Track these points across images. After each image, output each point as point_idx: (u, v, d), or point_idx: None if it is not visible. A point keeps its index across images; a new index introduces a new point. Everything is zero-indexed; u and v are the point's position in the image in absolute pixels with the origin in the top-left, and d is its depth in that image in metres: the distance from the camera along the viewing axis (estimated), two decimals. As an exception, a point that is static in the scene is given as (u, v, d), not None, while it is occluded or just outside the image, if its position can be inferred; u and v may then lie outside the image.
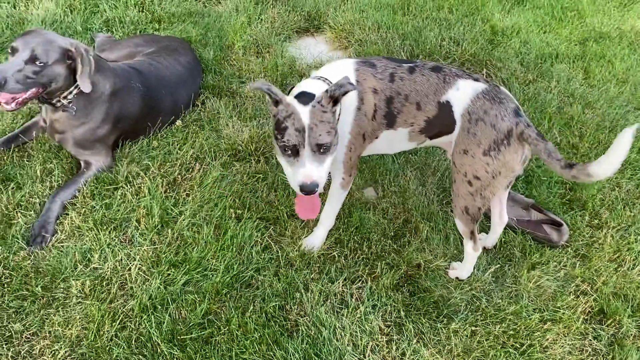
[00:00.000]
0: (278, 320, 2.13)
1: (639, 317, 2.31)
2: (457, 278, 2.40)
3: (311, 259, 2.37)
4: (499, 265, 2.45)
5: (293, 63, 3.52)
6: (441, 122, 2.11)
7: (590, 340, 2.24)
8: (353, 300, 2.25)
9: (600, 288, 2.39)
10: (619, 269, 2.49)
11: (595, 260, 2.51)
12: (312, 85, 2.04)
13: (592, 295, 2.37)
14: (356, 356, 2.06)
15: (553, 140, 3.12)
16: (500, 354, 2.11)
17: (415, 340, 2.14)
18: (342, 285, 2.28)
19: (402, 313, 2.21)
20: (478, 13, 4.25)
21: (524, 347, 2.14)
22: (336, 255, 2.40)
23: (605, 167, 1.82)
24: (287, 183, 2.65)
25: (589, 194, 2.80)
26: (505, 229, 2.57)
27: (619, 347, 2.21)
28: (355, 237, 2.46)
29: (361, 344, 2.09)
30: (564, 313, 2.29)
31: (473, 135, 2.01)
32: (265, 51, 3.61)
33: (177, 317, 2.10)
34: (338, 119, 2.00)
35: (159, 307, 2.11)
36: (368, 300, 2.24)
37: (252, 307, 2.15)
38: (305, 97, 1.93)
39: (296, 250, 2.37)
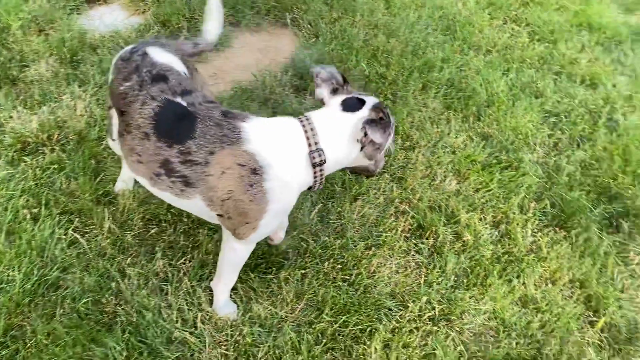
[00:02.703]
0: (93, 317, 1.95)
1: (453, 223, 2.47)
2: None
3: (126, 243, 2.20)
4: (322, 204, 2.47)
5: (83, 36, 3.19)
6: None
7: (413, 255, 2.35)
8: (180, 274, 2.14)
9: (417, 205, 2.51)
10: (432, 183, 2.63)
11: (410, 180, 2.62)
12: None
13: (410, 213, 2.48)
14: (186, 330, 1.96)
15: (362, 73, 3.18)
16: (331, 290, 2.13)
17: (247, 299, 2.09)
18: (164, 263, 2.15)
19: (229, 275, 2.14)
20: (278, -43, 4.15)
21: (352, 277, 2.19)
22: (154, 233, 2.25)
23: (213, 30, 2.14)
24: (88, 168, 2.42)
25: (399, 119, 2.90)
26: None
27: (438, 255, 2.34)
28: (173, 210, 2.32)
29: (190, 317, 2.00)
30: (386, 236, 2.38)
31: None
32: (48, 28, 3.23)
33: (-29, 343, 1.85)
34: None
35: (-53, 338, 1.83)
36: (194, 270, 2.13)
37: (60, 311, 1.94)
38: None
39: (107, 239, 2.19)
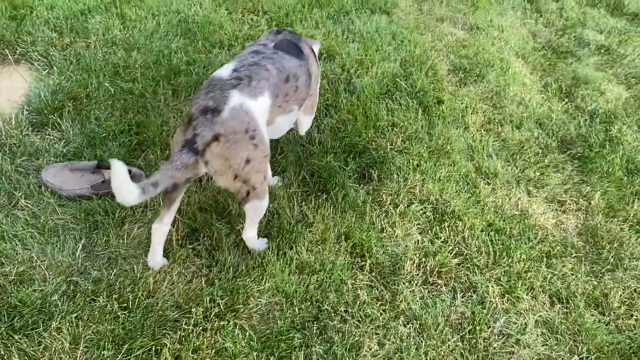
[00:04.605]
0: None
1: (225, 216, 2.52)
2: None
3: None
4: (85, 238, 2.34)
5: None
6: None
7: (191, 259, 2.34)
8: None
9: (185, 209, 2.52)
10: (200, 184, 2.65)
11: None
12: None
13: (182, 220, 2.48)
14: None
15: (107, 93, 3.06)
16: (110, 323, 2.05)
17: (18, 365, 1.91)
18: None
19: (-12, 347, 1.93)
20: (-10, -9, 3.79)
21: (130, 302, 2.12)
22: None
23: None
24: None
25: (155, 132, 2.86)
26: (78, 202, 2.47)
27: (217, 251, 2.38)
28: None
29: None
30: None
31: None
32: None
33: None
34: None
35: None
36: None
37: None
38: None
39: None
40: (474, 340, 2.16)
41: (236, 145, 1.93)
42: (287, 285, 2.25)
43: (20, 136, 2.78)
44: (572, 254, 2.58)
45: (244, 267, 2.32)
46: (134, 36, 3.55)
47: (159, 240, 2.25)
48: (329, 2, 4.21)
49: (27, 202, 2.46)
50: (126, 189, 1.74)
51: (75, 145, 2.76)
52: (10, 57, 3.37)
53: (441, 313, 2.23)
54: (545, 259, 2.52)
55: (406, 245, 2.46)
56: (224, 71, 2.06)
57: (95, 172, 2.58)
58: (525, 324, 2.25)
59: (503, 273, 2.42)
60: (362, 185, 2.75)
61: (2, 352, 1.94)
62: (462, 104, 3.38)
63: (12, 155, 2.67)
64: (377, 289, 2.29)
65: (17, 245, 2.29)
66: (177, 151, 1.90)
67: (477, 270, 2.42)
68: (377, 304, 2.24)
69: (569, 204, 2.85)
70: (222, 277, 2.26)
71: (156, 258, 2.27)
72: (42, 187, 2.52)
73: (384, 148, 2.95)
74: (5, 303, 2.09)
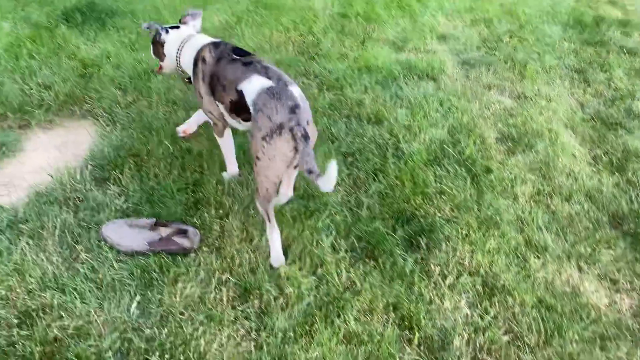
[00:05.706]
0: None
1: (274, 277, 2.56)
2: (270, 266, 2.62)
3: None
4: (140, 295, 2.41)
5: None
6: (241, 106, 2.59)
7: (241, 321, 2.38)
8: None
9: (237, 270, 2.57)
10: (250, 244, 2.72)
11: (228, 248, 2.68)
12: None
13: (233, 280, 2.53)
14: None
15: (167, 151, 3.21)
16: (161, 384, 2.08)
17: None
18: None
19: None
20: (62, 50, 4.07)
21: (182, 363, 2.16)
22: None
23: (325, 182, 2.27)
24: None
25: (210, 191, 2.97)
26: (135, 257, 2.56)
27: (265, 315, 2.41)
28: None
29: None
30: (213, 309, 2.39)
31: (255, 122, 2.42)
32: None
33: None
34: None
35: None
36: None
37: None
38: None
39: None
40: None
41: (312, 120, 2.49)
42: (335, 355, 2.24)
43: (84, 190, 2.92)
44: (627, 337, 2.50)
45: (292, 334, 2.33)
46: (193, 96, 3.73)
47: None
48: (378, 68, 4.35)
49: (87, 256, 2.56)
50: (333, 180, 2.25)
51: (134, 201, 2.88)
52: (78, 112, 3.59)
53: (491, 394, 2.18)
54: (599, 341, 2.45)
55: (455, 319, 2.44)
56: (265, 82, 2.48)
57: (153, 229, 2.68)
58: (580, 410, 2.17)
59: (555, 354, 2.36)
60: (410, 253, 2.76)
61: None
62: (511, 173, 3.38)
63: (76, 209, 2.81)
64: (427, 365, 2.26)
65: (76, 298, 2.38)
66: (305, 146, 2.32)
67: (527, 350, 2.37)
68: (426, 380, 2.21)
69: (623, 283, 2.78)
70: (271, 341, 2.28)
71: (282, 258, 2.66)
72: (102, 242, 2.63)
73: (432, 216, 2.97)
74: (63, 357, 2.16)
